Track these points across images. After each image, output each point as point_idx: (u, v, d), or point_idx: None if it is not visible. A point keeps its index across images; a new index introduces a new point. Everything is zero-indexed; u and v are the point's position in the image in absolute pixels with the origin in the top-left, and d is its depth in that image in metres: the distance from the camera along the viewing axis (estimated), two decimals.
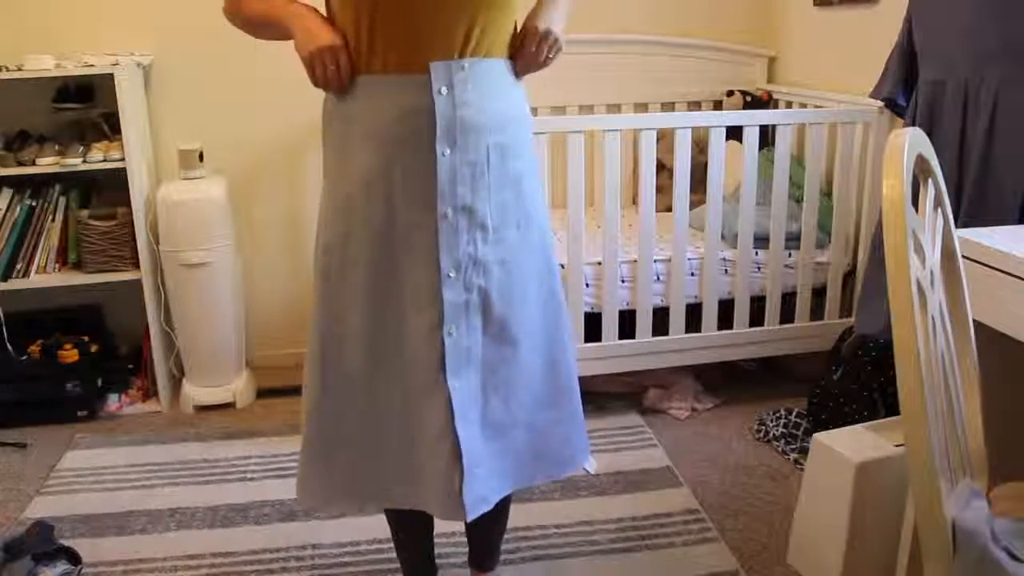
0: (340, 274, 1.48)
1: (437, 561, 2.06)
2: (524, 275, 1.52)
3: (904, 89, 2.42)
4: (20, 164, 2.75)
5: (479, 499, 1.51)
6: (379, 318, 1.48)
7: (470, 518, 1.50)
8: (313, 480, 1.58)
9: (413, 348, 1.47)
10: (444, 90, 1.38)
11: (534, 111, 3.19)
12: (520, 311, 1.52)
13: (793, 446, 2.58)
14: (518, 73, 1.51)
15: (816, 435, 2.01)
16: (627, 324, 2.73)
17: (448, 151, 1.41)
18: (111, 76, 2.70)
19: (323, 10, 1.48)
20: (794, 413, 2.71)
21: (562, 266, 2.67)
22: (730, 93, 3.35)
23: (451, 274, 1.44)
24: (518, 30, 1.51)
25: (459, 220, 1.43)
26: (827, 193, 2.94)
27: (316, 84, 1.43)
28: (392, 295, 1.47)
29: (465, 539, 1.98)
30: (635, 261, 2.71)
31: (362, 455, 1.55)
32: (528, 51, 1.48)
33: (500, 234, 1.48)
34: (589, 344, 2.70)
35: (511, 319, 1.51)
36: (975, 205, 2.07)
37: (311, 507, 1.58)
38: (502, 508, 1.74)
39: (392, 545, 2.03)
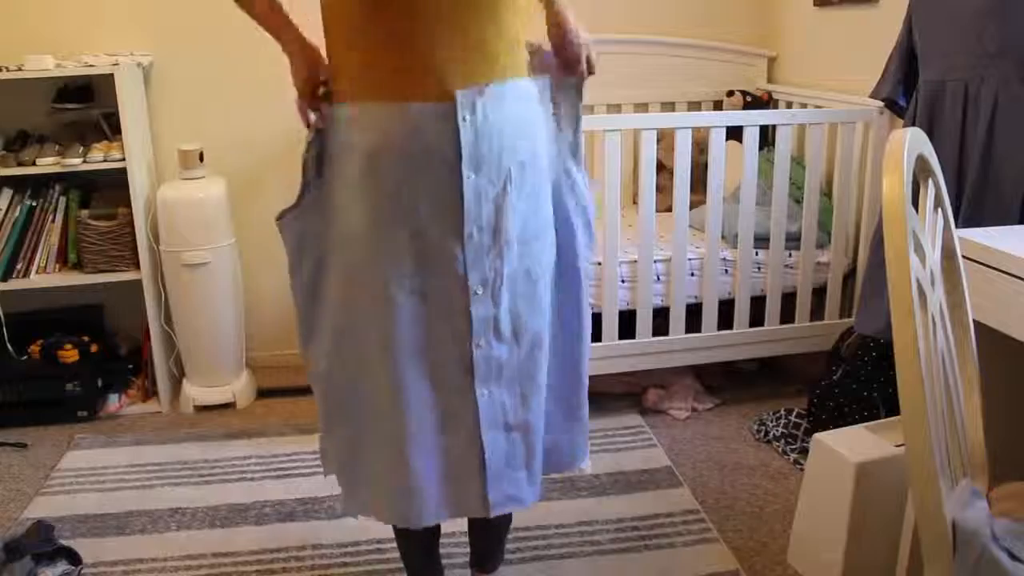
0: (364, 293, 1.48)
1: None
2: (547, 283, 1.56)
3: (904, 89, 2.42)
4: (20, 164, 2.75)
5: (506, 498, 1.57)
6: (407, 333, 1.48)
7: (494, 514, 1.55)
8: (354, 493, 1.61)
9: (441, 363, 1.50)
10: (467, 117, 1.40)
11: None
12: (544, 320, 1.56)
13: (793, 446, 2.58)
14: (577, 87, 1.59)
15: (816, 435, 2.01)
16: (627, 324, 2.73)
17: (473, 175, 1.42)
18: (111, 76, 2.70)
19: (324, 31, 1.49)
20: (794, 413, 2.71)
21: None
22: (730, 93, 3.35)
23: (479, 291, 1.47)
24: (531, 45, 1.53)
25: (484, 238, 1.45)
26: (827, 193, 2.94)
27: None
28: (420, 313, 1.47)
29: (466, 539, 1.98)
30: (635, 261, 2.71)
31: (398, 472, 1.54)
32: (581, 67, 1.58)
33: (524, 247, 1.50)
34: None
35: (536, 329, 1.55)
36: (975, 205, 2.07)
37: (357, 514, 1.65)
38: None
39: (394, 545, 2.03)
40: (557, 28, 1.55)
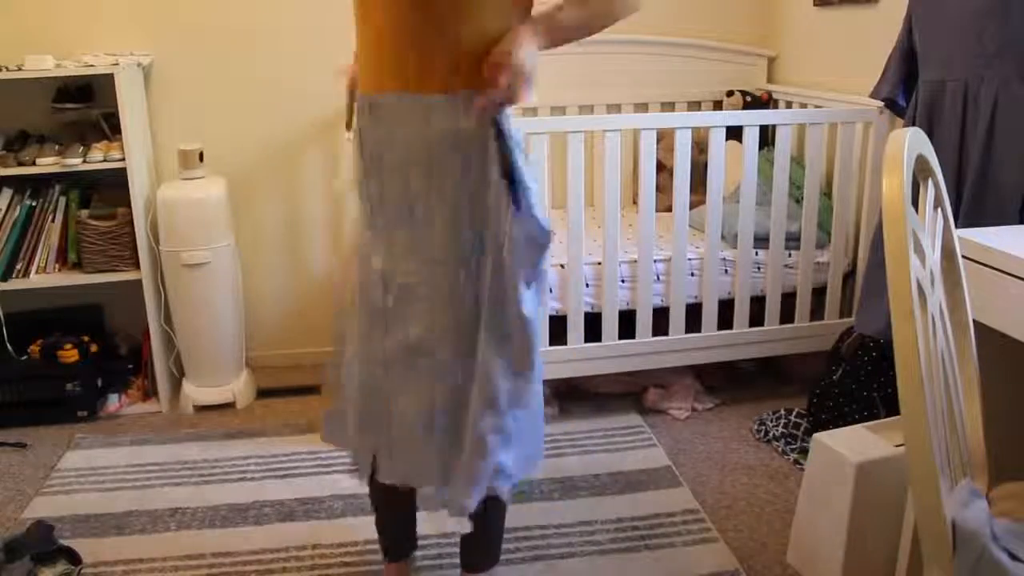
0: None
1: (436, 561, 2.06)
2: (449, 293, 1.58)
3: (904, 89, 2.43)
4: (20, 164, 2.75)
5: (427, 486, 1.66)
6: (361, 307, 1.63)
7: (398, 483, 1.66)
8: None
9: (376, 351, 1.63)
10: (369, 118, 1.56)
11: (534, 111, 3.21)
12: (468, 322, 1.58)
13: (793, 446, 2.58)
14: (476, 106, 1.47)
15: (816, 435, 2.01)
16: (627, 324, 2.73)
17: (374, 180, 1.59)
18: (111, 76, 2.70)
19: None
20: (794, 413, 2.71)
21: (561, 266, 2.68)
22: (730, 93, 3.35)
23: (390, 284, 1.60)
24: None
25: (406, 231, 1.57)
26: (827, 193, 2.94)
27: None
28: (373, 287, 1.62)
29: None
30: (635, 261, 2.71)
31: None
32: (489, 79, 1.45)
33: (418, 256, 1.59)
34: (589, 344, 2.70)
35: (455, 330, 1.58)
36: (975, 205, 2.07)
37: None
38: (484, 509, 1.74)
39: None
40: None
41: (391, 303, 1.59)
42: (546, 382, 1.80)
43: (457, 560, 2.06)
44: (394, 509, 1.89)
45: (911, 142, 1.08)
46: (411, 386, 1.61)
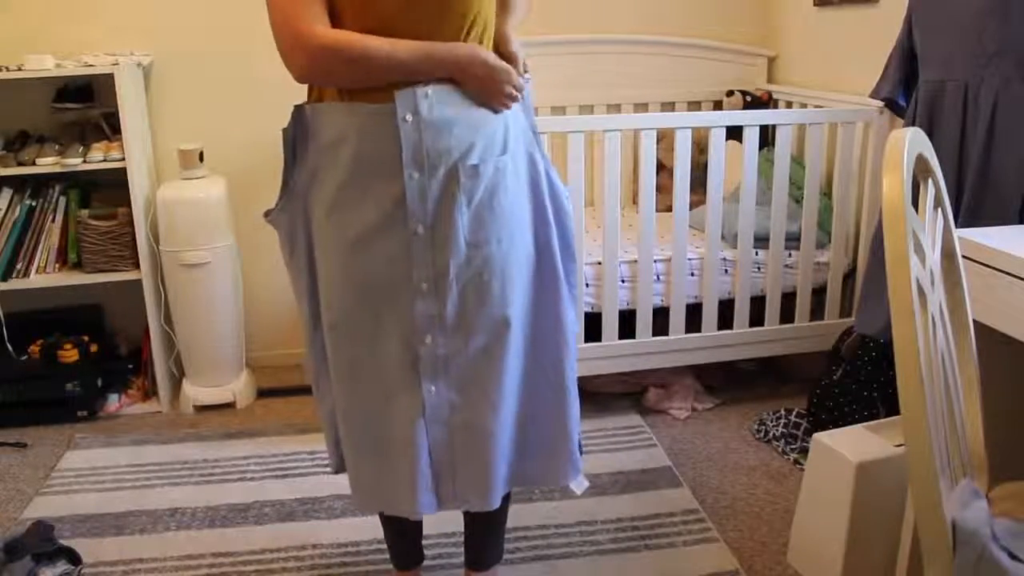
0: (327, 281, 1.55)
1: (437, 561, 2.06)
2: (507, 288, 1.54)
3: (904, 89, 2.43)
4: (20, 164, 2.75)
5: (451, 496, 1.60)
6: (356, 327, 1.53)
7: (428, 511, 1.58)
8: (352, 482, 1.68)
9: (387, 357, 1.53)
10: (409, 117, 1.42)
11: (534, 111, 3.21)
12: (501, 322, 1.54)
13: (793, 446, 2.58)
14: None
15: (816, 435, 2.01)
16: (627, 324, 2.73)
17: (416, 174, 1.45)
18: (111, 76, 2.70)
19: None
20: (794, 413, 2.71)
21: None
22: (730, 93, 3.35)
23: (423, 286, 1.49)
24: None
25: (428, 236, 1.47)
26: (827, 193, 2.94)
27: None
28: (369, 307, 1.51)
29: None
30: (635, 261, 2.71)
31: (358, 458, 1.63)
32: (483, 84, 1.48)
33: (477, 250, 1.50)
34: (589, 344, 2.70)
35: (489, 330, 1.53)
36: (975, 205, 2.07)
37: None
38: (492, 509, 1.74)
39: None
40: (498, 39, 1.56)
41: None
42: None
43: (457, 560, 2.06)
44: (401, 524, 1.86)
45: (911, 142, 1.08)
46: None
